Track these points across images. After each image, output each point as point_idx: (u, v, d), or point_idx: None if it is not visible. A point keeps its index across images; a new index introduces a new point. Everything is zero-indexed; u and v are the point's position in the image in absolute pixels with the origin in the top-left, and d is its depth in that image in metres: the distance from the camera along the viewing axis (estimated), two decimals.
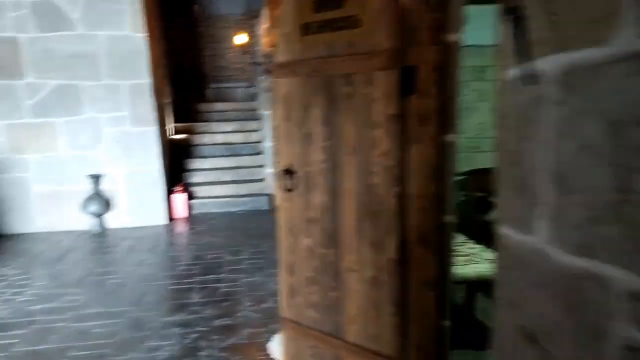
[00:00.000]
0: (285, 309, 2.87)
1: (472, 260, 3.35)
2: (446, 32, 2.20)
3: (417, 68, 2.22)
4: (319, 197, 2.59)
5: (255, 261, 5.16)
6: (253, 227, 6.58)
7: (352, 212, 2.45)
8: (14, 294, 4.42)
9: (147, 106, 6.72)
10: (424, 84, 2.22)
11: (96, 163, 6.64)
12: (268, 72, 7.47)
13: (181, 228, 6.71)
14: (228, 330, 3.66)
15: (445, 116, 2.23)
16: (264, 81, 7.88)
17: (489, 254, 3.41)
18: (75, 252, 5.64)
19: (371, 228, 2.38)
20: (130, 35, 6.56)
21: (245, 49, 9.42)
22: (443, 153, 2.23)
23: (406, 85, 2.23)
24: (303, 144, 2.64)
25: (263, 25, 7.64)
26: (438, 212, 2.26)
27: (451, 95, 2.24)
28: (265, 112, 7.95)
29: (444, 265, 2.30)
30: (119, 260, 5.33)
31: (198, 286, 4.51)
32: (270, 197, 7.73)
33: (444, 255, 2.29)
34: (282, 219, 2.83)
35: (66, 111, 6.53)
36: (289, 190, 2.74)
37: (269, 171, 7.91)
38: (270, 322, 3.75)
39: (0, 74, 6.36)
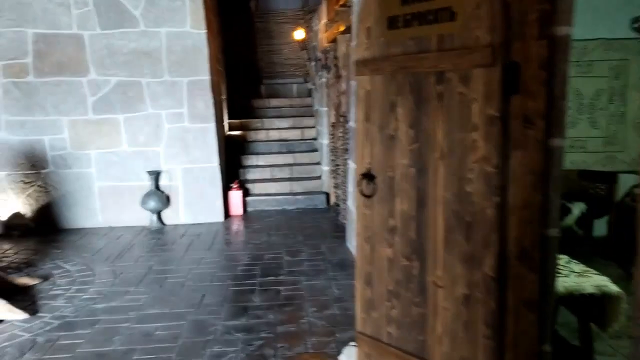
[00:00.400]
0: (361, 322, 2.69)
1: (559, 274, 3.07)
2: (555, 25, 1.96)
3: (521, 65, 1.99)
4: (402, 204, 2.40)
5: (315, 263, 5.01)
6: (310, 227, 6.43)
7: (441, 222, 2.25)
8: (78, 291, 4.42)
9: (205, 103, 6.67)
10: (529, 83, 1.99)
11: (155, 159, 6.65)
12: (325, 68, 7.30)
13: (238, 226, 6.64)
14: (293, 337, 3.52)
15: (552, 118, 1.99)
16: (320, 77, 7.71)
17: (578, 267, 3.13)
18: (135, 249, 5.64)
19: (463, 240, 2.17)
20: (190, 31, 6.52)
21: (301, 44, 9.28)
22: (549, 159, 1.99)
23: (509, 84, 2.01)
24: (385, 147, 2.45)
25: (321, 21, 7.47)
26: (541, 224, 2.03)
27: (559, 95, 2.00)
28: (322, 109, 7.79)
29: (546, 284, 2.07)
30: (178, 258, 5.29)
31: (259, 288, 4.40)
32: (327, 195, 7.58)
33: (546, 273, 2.06)
34: (360, 226, 2.65)
35: (127, 108, 6.55)
36: (368, 196, 2.55)
37: (325, 169, 7.75)
38: (336, 330, 3.59)
39: (65, 71, 6.43)
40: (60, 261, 5.22)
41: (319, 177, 7.94)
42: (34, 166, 6.51)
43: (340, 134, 6.39)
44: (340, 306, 4.01)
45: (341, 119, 6.43)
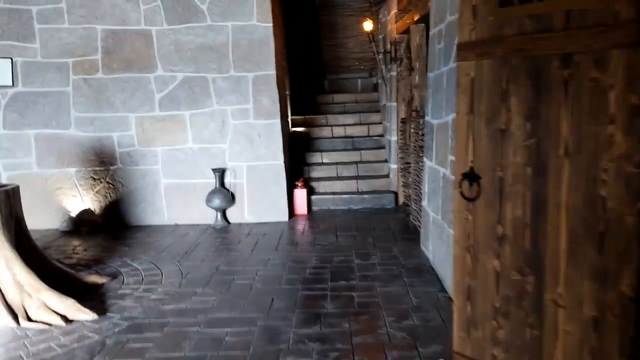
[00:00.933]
0: (458, 342, 2.38)
1: None
2: None
3: None
4: (514, 210, 2.07)
5: (388, 267, 4.72)
6: (379, 228, 6.14)
7: (565, 231, 1.91)
8: (146, 290, 4.31)
9: (271, 98, 6.49)
10: None
11: (220, 156, 6.53)
12: (395, 60, 6.97)
13: (303, 225, 6.43)
14: (372, 350, 3.24)
15: None
16: (390, 71, 7.38)
17: None
18: (200, 248, 5.52)
19: (594, 253, 1.83)
20: (256, 24, 6.35)
21: (367, 37, 8.96)
22: None
23: None
24: (493, 142, 2.13)
25: (391, 11, 7.14)
26: None
27: None
28: (391, 104, 7.46)
29: None
30: (244, 258, 5.12)
31: (330, 294, 4.14)
32: (395, 194, 7.25)
33: None
34: (459, 232, 2.34)
35: (193, 104, 6.46)
36: (471, 199, 2.23)
37: (393, 167, 7.42)
38: (418, 344, 3.28)
39: (133, 68, 6.41)
40: (128, 259, 5.17)
41: (386, 176, 7.62)
42: (103, 163, 6.53)
43: (413, 130, 6.05)
44: (421, 316, 3.69)
45: (414, 114, 6.09)
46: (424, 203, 5.07)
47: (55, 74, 6.42)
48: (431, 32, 4.87)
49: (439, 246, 4.43)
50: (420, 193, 5.64)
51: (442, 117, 4.36)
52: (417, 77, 6.10)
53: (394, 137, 7.39)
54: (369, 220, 6.52)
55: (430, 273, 4.55)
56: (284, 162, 6.61)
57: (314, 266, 4.82)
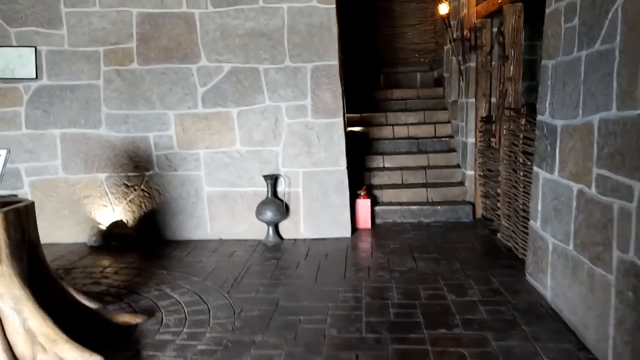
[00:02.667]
0: None
1: None
2: None
3: None
4: None
5: (494, 308, 3.68)
6: (463, 248, 5.10)
7: None
8: (190, 337, 3.38)
9: (333, 93, 5.52)
10: None
11: (273, 161, 5.59)
12: (475, 49, 5.90)
13: (370, 244, 5.43)
14: None
15: None
16: (467, 61, 6.31)
17: None
18: (252, 272, 4.58)
19: None
20: (316, 6, 5.39)
21: (443, 22, 7.87)
22: None
23: None
24: None
25: None
26: None
27: None
28: (466, 100, 6.39)
29: None
30: (308, 289, 4.16)
31: (432, 349, 3.14)
32: (472, 206, 6.19)
33: None
34: None
35: (241, 99, 5.54)
36: None
37: (469, 173, 6.36)
38: None
39: (172, 57, 5.52)
40: (166, 287, 4.26)
41: (460, 184, 6.56)
42: (138, 167, 5.66)
43: (508, 132, 4.97)
44: None
45: (508, 113, 5.02)
46: (535, 224, 4.01)
47: (84, 65, 5.57)
48: (548, 10, 3.82)
49: (571, 286, 3.37)
50: (515, 208, 4.58)
51: (576, 117, 3.30)
52: (511, 68, 5.03)
53: (470, 139, 6.32)
54: (447, 238, 5.48)
55: (553, 319, 3.50)
56: (346, 168, 5.62)
57: (398, 303, 3.81)
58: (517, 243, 4.75)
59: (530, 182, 4.39)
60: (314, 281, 4.33)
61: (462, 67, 6.44)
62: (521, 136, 4.62)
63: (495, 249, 5.07)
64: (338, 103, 5.54)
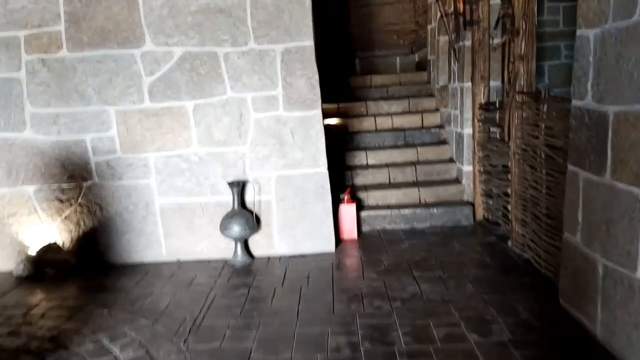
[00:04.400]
0: None
1: None
2: None
3: None
4: None
5: (535, 354, 2.84)
6: (472, 262, 4.26)
7: None
8: None
9: (308, 80, 4.60)
10: None
11: (239, 164, 4.64)
12: (471, 24, 5.04)
13: (358, 259, 4.55)
14: None
15: None
16: (462, 39, 5.45)
17: None
18: (217, 309, 3.64)
19: None
20: None
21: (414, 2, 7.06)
22: None
23: None
24: None
25: None
26: None
27: None
28: (460, 85, 5.54)
29: None
30: (289, 331, 3.24)
31: None
32: (472, 206, 5.36)
33: None
34: None
35: (198, 90, 4.56)
36: None
37: (467, 169, 5.52)
38: None
39: (110, 41, 4.51)
40: (105, 335, 3.29)
41: (455, 181, 5.72)
42: (73, 177, 4.64)
43: (522, 121, 4.13)
44: None
45: (521, 98, 4.18)
46: (573, 238, 3.18)
47: (1, 54, 4.51)
48: None
49: (636, 323, 2.55)
50: (534, 213, 3.74)
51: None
52: (522, 44, 4.18)
53: (467, 130, 5.48)
54: (449, 248, 4.64)
55: None
56: (327, 169, 4.72)
57: (407, 350, 2.94)
58: (538, 256, 3.93)
59: (557, 183, 3.56)
60: (295, 318, 3.42)
61: (454, 47, 5.57)
62: (543, 126, 3.78)
63: (509, 262, 4.24)
64: (315, 92, 4.61)
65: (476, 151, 5.29)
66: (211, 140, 4.60)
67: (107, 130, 4.60)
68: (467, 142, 5.48)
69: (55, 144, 4.60)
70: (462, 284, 3.82)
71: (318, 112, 4.64)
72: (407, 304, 3.53)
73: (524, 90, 4.19)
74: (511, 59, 4.31)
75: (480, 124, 5.20)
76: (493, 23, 5.05)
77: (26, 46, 4.50)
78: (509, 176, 4.49)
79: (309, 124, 4.63)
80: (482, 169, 5.24)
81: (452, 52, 5.68)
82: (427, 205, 5.42)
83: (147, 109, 4.58)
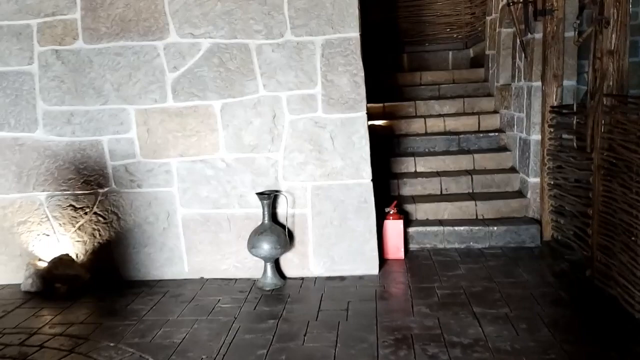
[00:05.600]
0: None
1: None
2: None
3: None
4: None
5: None
6: (543, 296, 3.56)
7: None
8: None
9: (351, 77, 3.98)
10: None
11: (270, 172, 4.07)
12: (545, 14, 4.31)
13: (405, 287, 3.91)
14: None
15: None
16: (532, 31, 4.72)
17: None
18: (239, 347, 3.08)
19: None
20: None
21: None
22: None
23: None
24: None
25: None
26: None
27: None
28: (530, 84, 4.81)
29: None
30: None
31: None
32: (538, 224, 4.64)
33: None
34: None
35: (226, 88, 4.01)
36: None
37: (532, 181, 4.80)
38: None
39: (131, 32, 4.01)
40: None
41: (519, 194, 5.01)
42: (88, 183, 4.17)
43: (616, 128, 3.40)
44: None
45: (609, 102, 3.46)
46: None
47: (12, 45, 4.08)
48: None
49: None
50: (629, 244, 3.03)
51: None
52: (613, 37, 3.45)
53: (535, 136, 4.75)
54: (514, 277, 3.95)
55: None
56: (372, 180, 4.10)
57: None
58: (630, 295, 3.21)
59: None
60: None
61: (522, 40, 4.84)
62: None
63: (591, 299, 3.53)
64: (359, 91, 4.00)
65: (545, 161, 4.57)
66: (240, 144, 4.05)
67: (125, 131, 4.10)
68: (535, 150, 4.75)
69: (69, 145, 4.14)
70: (535, 327, 3.14)
71: (362, 114, 4.02)
72: (468, 353, 2.88)
73: (613, 92, 3.45)
74: (597, 55, 3.57)
75: (552, 129, 4.48)
76: (570, 12, 4.32)
77: (39, 36, 4.05)
78: (590, 194, 3.76)
79: (352, 128, 4.01)
80: (552, 182, 4.51)
81: (518, 46, 4.95)
82: (485, 222, 4.73)
83: (170, 109, 4.06)
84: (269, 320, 3.40)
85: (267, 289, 3.94)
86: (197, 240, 4.17)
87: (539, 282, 3.84)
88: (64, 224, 4.21)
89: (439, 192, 5.14)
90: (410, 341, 3.04)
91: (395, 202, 4.58)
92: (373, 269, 4.12)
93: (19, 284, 4.12)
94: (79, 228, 4.22)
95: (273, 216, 4.06)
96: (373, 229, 4.11)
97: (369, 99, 4.16)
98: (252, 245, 3.94)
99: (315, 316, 3.43)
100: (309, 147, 4.02)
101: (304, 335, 3.17)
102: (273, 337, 3.17)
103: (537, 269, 4.08)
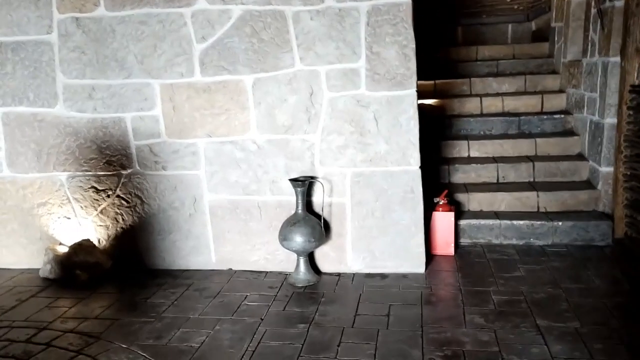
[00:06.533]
0: None
1: None
2: None
3: None
4: None
5: None
6: (618, 307, 3.03)
7: None
8: None
9: (400, 50, 3.48)
10: None
11: (306, 156, 3.64)
12: None
13: (456, 289, 3.44)
14: None
15: None
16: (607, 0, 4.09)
17: None
18: (263, 354, 2.71)
19: None
20: None
21: None
22: None
23: None
24: None
25: None
26: None
27: None
28: (606, 59, 4.18)
29: None
30: None
31: None
32: (610, 219, 4.06)
33: None
34: None
35: (259, 61, 3.58)
36: None
37: (604, 170, 4.20)
38: None
39: None
40: None
41: (587, 184, 4.42)
42: (111, 164, 3.86)
43: None
44: None
45: None
46: None
47: (30, 12, 3.76)
48: None
49: None
50: None
51: None
52: None
53: (609, 119, 4.14)
54: (583, 282, 3.42)
55: None
56: (420, 167, 3.62)
57: None
58: None
59: None
60: None
61: (600, 8, 4.20)
62: None
63: None
64: (409, 65, 3.50)
65: (622, 148, 3.97)
66: (273, 124, 3.63)
67: (150, 108, 3.75)
68: (609, 136, 4.14)
69: (91, 122, 3.82)
70: (612, 348, 2.63)
71: (412, 92, 3.53)
72: None
73: None
74: None
75: (631, 112, 3.87)
76: None
77: (58, 1, 3.71)
78: None
79: (399, 108, 3.53)
80: (628, 173, 3.92)
81: (593, 16, 4.31)
82: (548, 216, 4.18)
83: (197, 84, 3.67)
84: (299, 324, 3.02)
85: (299, 285, 3.55)
86: (225, 229, 3.81)
87: (613, 289, 3.31)
88: (85, 206, 3.93)
89: (495, 181, 4.60)
90: (462, 358, 2.59)
91: (445, 192, 4.09)
92: (419, 266, 3.67)
93: (39, 269, 3.88)
94: (101, 212, 3.93)
95: (308, 205, 3.65)
96: (420, 222, 3.65)
97: (418, 76, 3.65)
98: (283, 237, 3.55)
99: (352, 322, 3.02)
100: (349, 128, 3.57)
101: (337, 346, 2.77)
102: (302, 346, 2.78)
103: (610, 273, 3.54)
